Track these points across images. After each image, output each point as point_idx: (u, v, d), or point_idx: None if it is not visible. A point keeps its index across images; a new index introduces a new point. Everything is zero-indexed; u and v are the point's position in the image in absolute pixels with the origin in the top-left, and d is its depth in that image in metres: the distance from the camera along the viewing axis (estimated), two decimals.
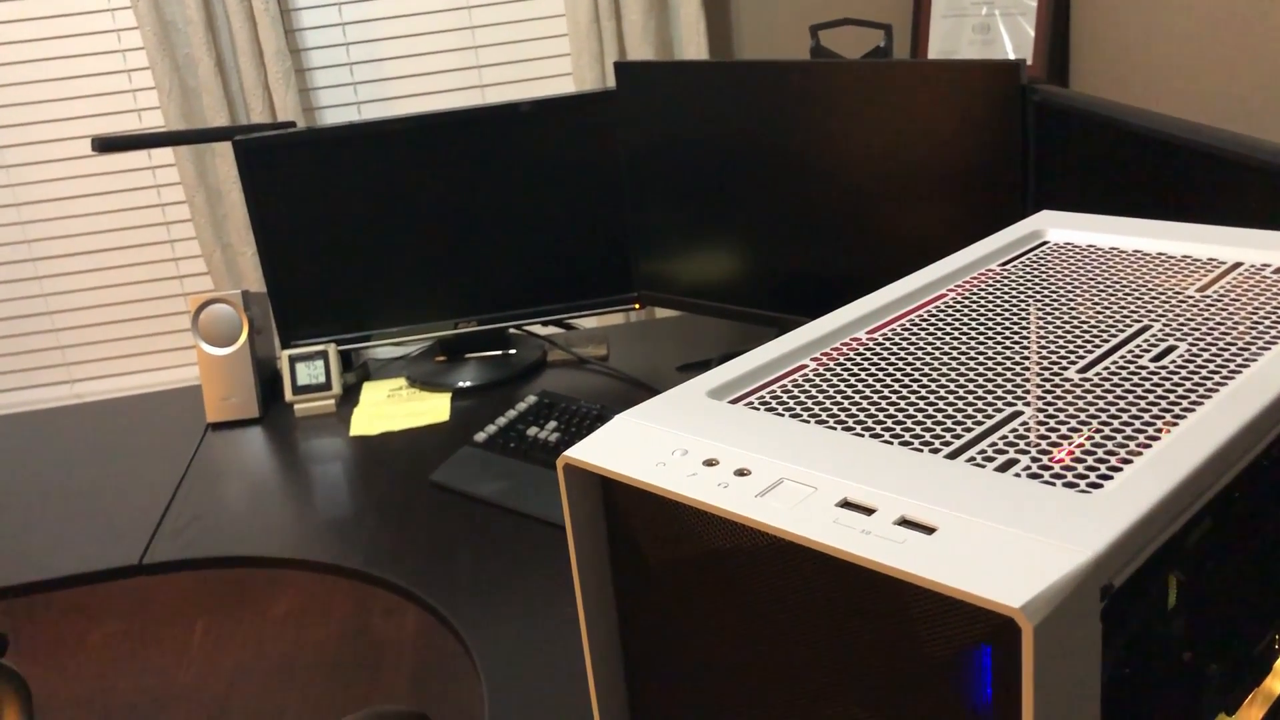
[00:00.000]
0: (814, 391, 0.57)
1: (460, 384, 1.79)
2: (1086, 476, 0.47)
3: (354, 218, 1.76)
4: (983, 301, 0.66)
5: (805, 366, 0.60)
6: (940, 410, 0.54)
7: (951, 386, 0.56)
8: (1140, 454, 0.49)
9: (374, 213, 1.76)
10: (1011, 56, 2.48)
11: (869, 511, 0.45)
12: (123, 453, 1.72)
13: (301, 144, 1.73)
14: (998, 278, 0.69)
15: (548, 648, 1.17)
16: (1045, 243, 0.75)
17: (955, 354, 0.60)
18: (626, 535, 0.53)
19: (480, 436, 1.57)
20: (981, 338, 0.62)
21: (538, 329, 1.94)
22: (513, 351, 1.87)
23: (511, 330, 1.93)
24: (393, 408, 1.75)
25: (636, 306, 1.82)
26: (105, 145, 1.61)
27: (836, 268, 1.57)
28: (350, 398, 1.81)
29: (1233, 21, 1.86)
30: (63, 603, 2.57)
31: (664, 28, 2.55)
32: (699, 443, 0.52)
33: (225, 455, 1.68)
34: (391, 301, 1.81)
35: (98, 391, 2.78)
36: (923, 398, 0.56)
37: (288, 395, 1.76)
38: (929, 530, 0.44)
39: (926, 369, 0.59)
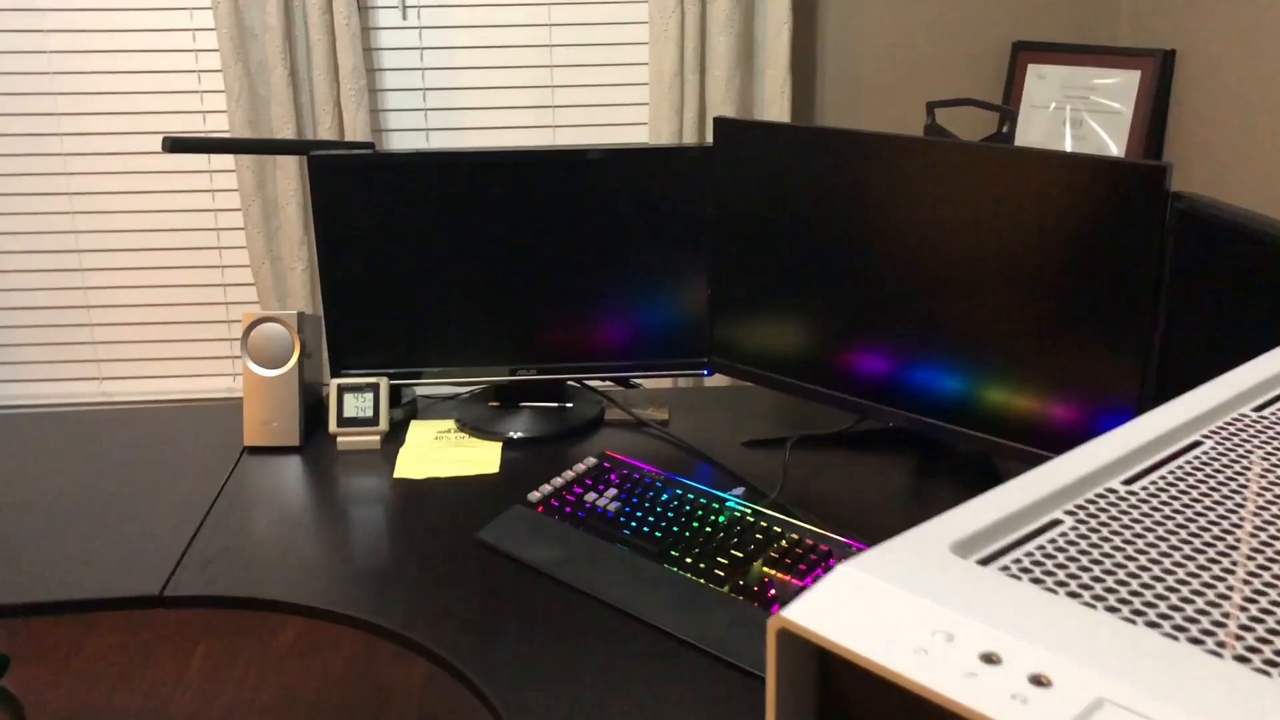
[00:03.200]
0: (1083, 559, 0.44)
1: (512, 434, 1.66)
2: None
3: (421, 249, 1.64)
4: (1258, 457, 0.53)
5: (1060, 522, 0.47)
6: (1265, 610, 0.42)
7: (1266, 576, 0.44)
8: None
9: (443, 246, 1.64)
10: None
11: None
12: (153, 467, 1.59)
13: (377, 167, 1.61)
14: (1265, 427, 0.56)
15: None
16: None
17: (1248, 527, 0.47)
18: None
19: (534, 496, 1.43)
20: (1274, 508, 0.49)
21: (594, 384, 1.82)
22: (569, 405, 1.74)
23: (569, 383, 1.80)
24: (440, 452, 1.62)
25: (707, 374, 1.69)
26: (176, 145, 1.50)
27: (933, 361, 1.44)
28: (396, 436, 1.68)
29: None
30: None
31: (748, 87, 2.45)
32: (963, 624, 0.39)
33: (261, 483, 1.55)
34: (449, 340, 1.68)
35: (126, 392, 2.65)
36: (1231, 586, 0.43)
37: (332, 426, 1.63)
38: None
39: (1220, 545, 0.46)
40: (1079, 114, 2.37)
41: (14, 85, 2.45)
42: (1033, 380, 1.36)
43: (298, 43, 2.37)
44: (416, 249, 1.64)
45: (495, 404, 1.74)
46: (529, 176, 1.61)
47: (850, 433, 1.64)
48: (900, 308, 1.45)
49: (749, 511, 1.35)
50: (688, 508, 1.37)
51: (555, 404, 1.74)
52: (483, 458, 1.60)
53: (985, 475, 1.53)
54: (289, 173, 2.40)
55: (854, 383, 1.52)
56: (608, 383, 1.83)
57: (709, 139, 2.44)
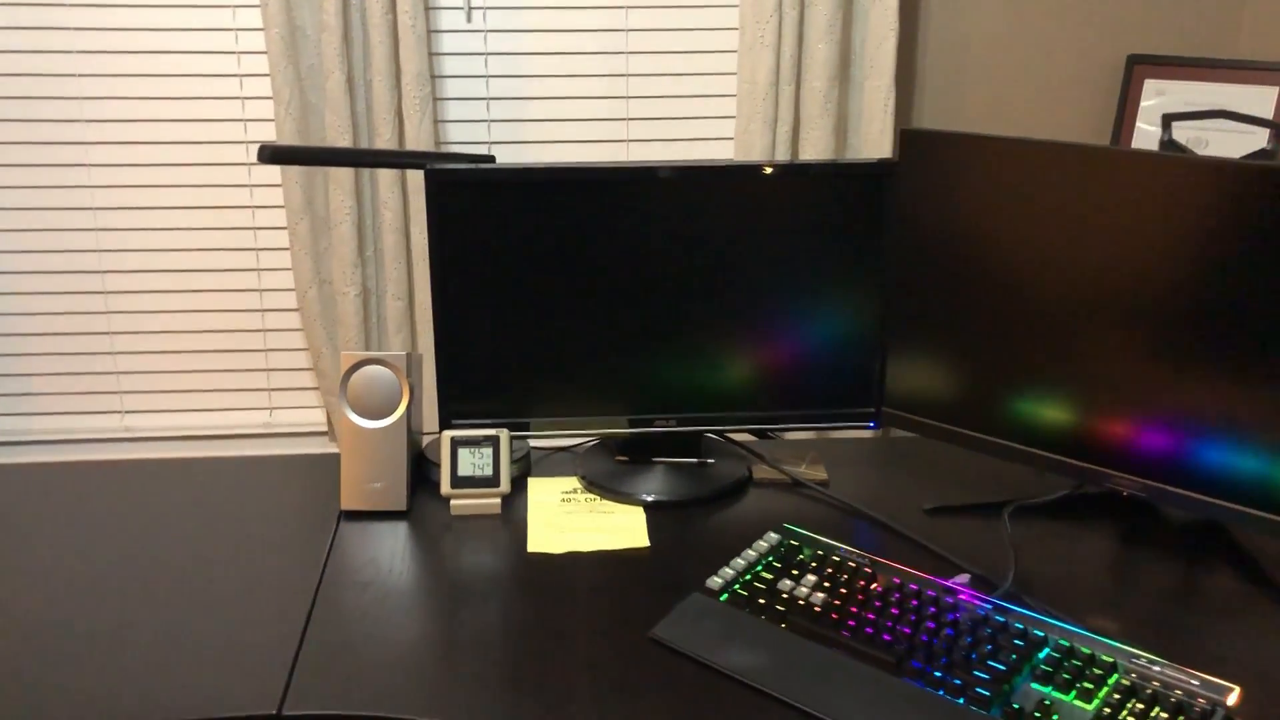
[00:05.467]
0: None
1: (646, 496, 1.40)
2: None
3: (548, 278, 1.38)
4: None
5: None
6: None
7: None
8: None
9: (573, 275, 1.38)
10: None
11: None
12: (238, 537, 1.31)
13: (502, 184, 1.35)
14: None
15: None
16: None
17: None
18: None
19: (714, 583, 1.17)
20: None
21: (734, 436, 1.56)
22: (711, 461, 1.48)
23: (709, 435, 1.54)
24: (574, 518, 1.36)
25: (874, 427, 1.44)
26: (276, 156, 1.22)
27: (1168, 416, 1.20)
28: (514, 497, 1.42)
29: None
30: None
31: (845, 99, 2.21)
32: None
33: (370, 558, 1.27)
34: (575, 386, 1.42)
35: (150, 427, 2.36)
36: None
37: (444, 488, 1.36)
38: None
39: None
40: (1204, 133, 2.15)
41: (36, 88, 2.16)
42: None
43: (355, 44, 2.10)
44: (543, 279, 1.37)
45: (623, 459, 1.48)
46: (676, 194, 1.35)
47: (1068, 499, 1.39)
48: (1128, 351, 1.21)
49: (990, 608, 1.10)
50: (914, 602, 1.11)
51: (695, 460, 1.48)
52: (626, 526, 1.34)
53: (1209, 542, 1.29)
54: (343, 187, 2.12)
55: (1071, 441, 1.28)
56: (744, 434, 1.57)
57: (802, 154, 2.20)
